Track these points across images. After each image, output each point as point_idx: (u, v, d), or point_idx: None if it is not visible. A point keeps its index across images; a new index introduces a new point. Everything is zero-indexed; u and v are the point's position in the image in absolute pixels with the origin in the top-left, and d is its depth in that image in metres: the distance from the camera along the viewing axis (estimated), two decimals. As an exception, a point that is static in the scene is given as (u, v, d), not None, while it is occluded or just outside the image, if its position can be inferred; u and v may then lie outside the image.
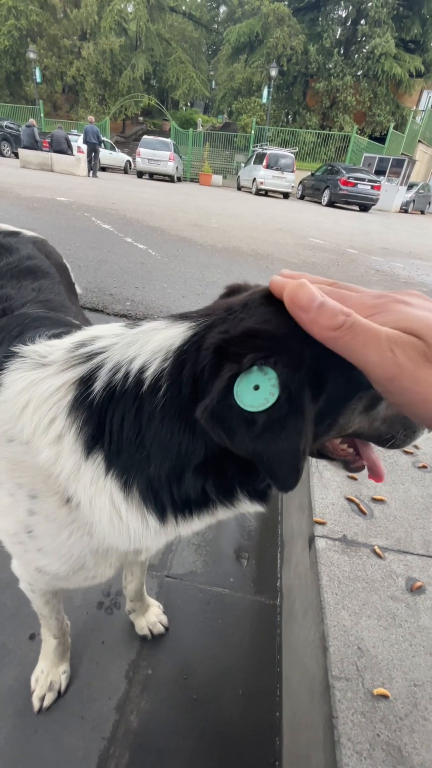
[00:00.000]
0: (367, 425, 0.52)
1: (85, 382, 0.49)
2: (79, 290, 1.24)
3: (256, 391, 0.38)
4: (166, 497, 0.50)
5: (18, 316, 0.70)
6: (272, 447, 0.40)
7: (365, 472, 0.63)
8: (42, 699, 0.94)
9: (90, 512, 0.51)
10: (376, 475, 0.62)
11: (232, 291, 0.57)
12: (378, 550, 1.06)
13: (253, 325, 0.44)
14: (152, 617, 1.12)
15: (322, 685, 0.78)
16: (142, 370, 0.47)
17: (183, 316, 0.50)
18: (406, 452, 1.48)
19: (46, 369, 0.52)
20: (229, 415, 0.39)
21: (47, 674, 0.96)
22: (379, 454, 0.62)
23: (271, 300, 0.46)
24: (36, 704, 0.93)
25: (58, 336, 0.58)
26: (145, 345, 0.48)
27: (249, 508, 0.52)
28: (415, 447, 1.50)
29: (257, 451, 0.40)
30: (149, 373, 0.46)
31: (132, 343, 0.49)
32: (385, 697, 0.75)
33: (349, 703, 0.74)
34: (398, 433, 0.55)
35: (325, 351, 0.43)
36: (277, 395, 0.38)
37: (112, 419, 0.48)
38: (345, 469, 0.62)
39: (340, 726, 0.70)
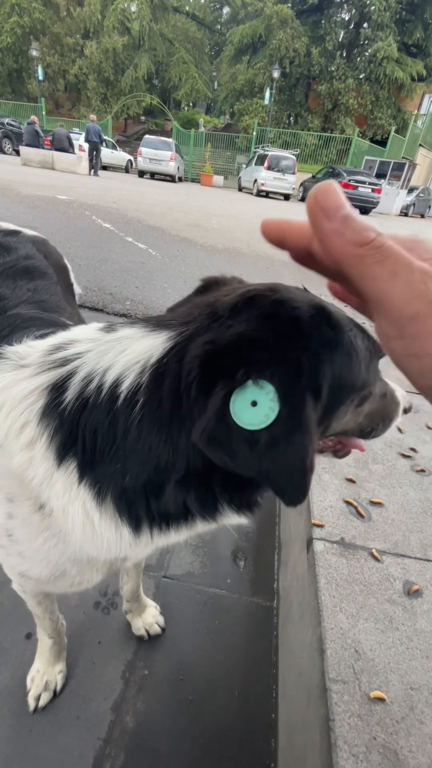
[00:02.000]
0: (354, 424, 0.53)
1: (57, 389, 0.47)
2: (79, 290, 1.23)
3: (254, 407, 0.36)
4: (141, 509, 0.48)
5: (9, 317, 0.69)
6: (278, 465, 0.37)
7: (363, 475, 0.64)
8: (38, 699, 0.94)
9: (63, 520, 0.50)
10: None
11: (209, 285, 0.54)
12: (376, 554, 1.06)
13: (243, 332, 0.40)
14: (149, 618, 1.12)
15: (319, 688, 0.78)
16: (116, 384, 0.45)
17: (161, 324, 0.47)
18: (405, 456, 1.48)
19: (23, 371, 0.50)
20: (228, 436, 0.37)
21: (43, 674, 0.96)
22: (377, 456, 0.63)
23: (260, 299, 0.43)
24: (31, 704, 0.93)
25: (44, 337, 0.56)
26: (120, 355, 0.46)
27: (233, 520, 0.50)
28: (414, 451, 1.51)
29: (263, 470, 0.38)
30: (125, 387, 0.44)
31: (106, 352, 0.47)
32: (381, 700, 0.75)
33: (346, 706, 0.74)
34: (377, 425, 0.57)
35: (321, 357, 0.41)
36: (278, 410, 0.36)
37: (85, 430, 0.45)
38: (335, 457, 0.65)
39: (336, 728, 0.70)
